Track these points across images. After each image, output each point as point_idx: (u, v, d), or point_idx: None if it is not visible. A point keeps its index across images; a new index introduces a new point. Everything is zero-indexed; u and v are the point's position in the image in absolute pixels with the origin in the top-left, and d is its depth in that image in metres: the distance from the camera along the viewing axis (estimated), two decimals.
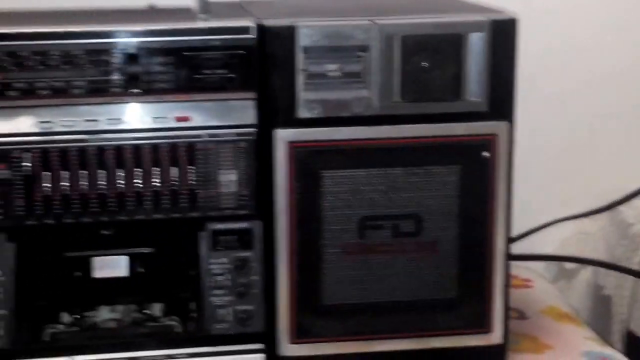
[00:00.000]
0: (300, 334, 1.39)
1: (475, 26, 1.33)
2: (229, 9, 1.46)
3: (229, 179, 1.34)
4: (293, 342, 1.39)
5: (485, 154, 1.36)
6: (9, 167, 1.29)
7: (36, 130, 1.30)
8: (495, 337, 1.42)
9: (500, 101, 1.36)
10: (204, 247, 1.36)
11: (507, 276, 1.41)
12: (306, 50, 1.31)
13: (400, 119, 1.35)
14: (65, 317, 1.37)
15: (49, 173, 1.30)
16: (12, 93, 1.28)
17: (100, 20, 1.38)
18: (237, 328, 1.37)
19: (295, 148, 1.34)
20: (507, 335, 1.43)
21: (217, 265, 1.36)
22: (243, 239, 1.36)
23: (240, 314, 1.37)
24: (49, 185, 1.30)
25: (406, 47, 1.32)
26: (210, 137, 1.33)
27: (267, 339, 1.38)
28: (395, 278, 1.39)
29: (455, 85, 1.34)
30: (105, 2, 1.49)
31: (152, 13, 1.49)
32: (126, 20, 1.34)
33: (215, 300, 1.36)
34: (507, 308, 1.42)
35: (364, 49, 1.32)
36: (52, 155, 1.30)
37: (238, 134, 1.33)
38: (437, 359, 1.42)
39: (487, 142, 1.36)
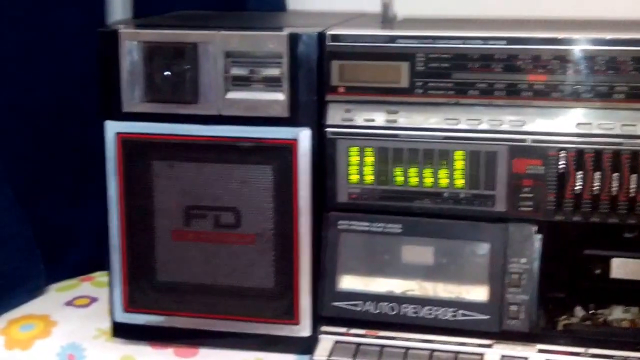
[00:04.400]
0: None
1: None
2: None
3: None
4: None
5: None
6: (545, 165, 1.37)
7: (574, 131, 1.35)
8: None
9: None
10: None
11: None
12: None
13: None
14: (579, 311, 1.43)
15: (582, 173, 1.36)
16: (556, 94, 1.35)
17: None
18: None
19: None
20: None
21: None
22: None
23: None
24: (581, 184, 1.36)
25: None
26: None
27: None
28: None
29: None
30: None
31: None
32: None
33: None
34: None
35: None
36: (586, 156, 1.35)
37: None
38: None
39: None
